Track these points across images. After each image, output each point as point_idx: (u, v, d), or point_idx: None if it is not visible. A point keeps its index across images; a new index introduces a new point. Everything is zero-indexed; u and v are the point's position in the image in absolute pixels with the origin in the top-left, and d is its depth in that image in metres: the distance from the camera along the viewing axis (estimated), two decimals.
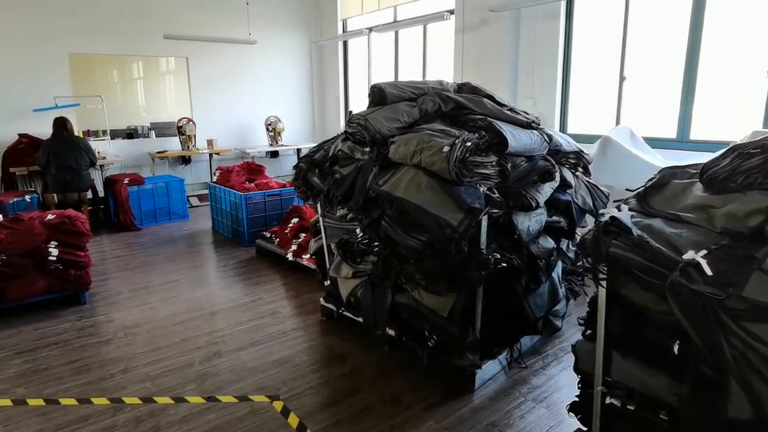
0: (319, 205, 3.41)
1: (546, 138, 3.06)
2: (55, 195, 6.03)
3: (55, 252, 3.89)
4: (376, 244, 2.87)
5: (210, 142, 8.04)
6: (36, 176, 6.63)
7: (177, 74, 10.15)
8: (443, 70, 7.24)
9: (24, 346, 3.37)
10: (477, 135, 2.67)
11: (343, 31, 8.79)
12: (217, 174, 6.27)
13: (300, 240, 4.60)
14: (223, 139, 8.33)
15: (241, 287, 4.39)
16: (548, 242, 3.00)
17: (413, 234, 2.54)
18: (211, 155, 8.10)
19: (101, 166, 6.99)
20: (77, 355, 3.23)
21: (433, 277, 2.59)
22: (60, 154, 6.00)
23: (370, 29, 7.46)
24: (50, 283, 3.90)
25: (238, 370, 3.02)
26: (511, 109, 3.10)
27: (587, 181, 3.38)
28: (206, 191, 8.24)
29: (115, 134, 7.73)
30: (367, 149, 2.97)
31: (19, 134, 6.53)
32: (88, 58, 7.96)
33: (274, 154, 8.88)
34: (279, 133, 8.57)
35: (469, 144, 2.55)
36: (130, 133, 7.96)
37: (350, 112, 8.49)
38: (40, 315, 3.83)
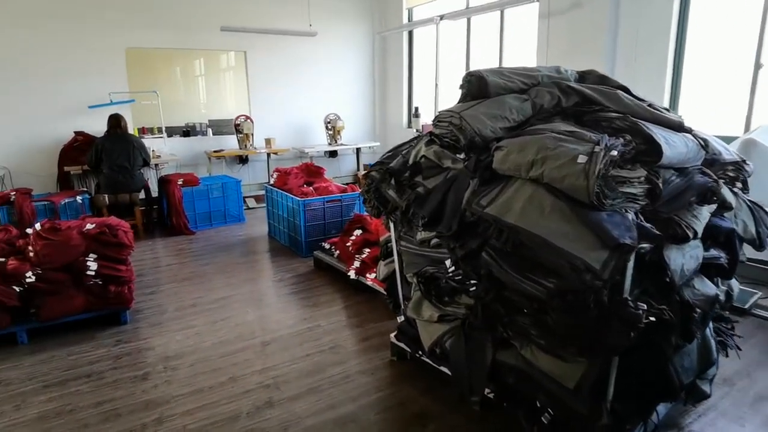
0: (392, 224, 2.78)
1: (701, 143, 2.27)
2: (106, 196, 5.74)
3: (93, 266, 3.46)
4: (473, 282, 2.19)
5: (268, 141, 7.60)
6: (90, 175, 6.40)
7: (235, 69, 9.85)
8: (522, 62, 6.43)
9: (53, 377, 2.94)
10: (621, 140, 1.93)
11: (409, 20, 8.12)
12: (275, 176, 5.78)
13: (364, 256, 3.99)
14: (280, 138, 7.88)
15: (298, 309, 3.83)
16: (706, 286, 2.21)
17: (531, 276, 1.85)
18: (268, 155, 7.67)
19: (156, 165, 6.68)
20: (108, 395, 2.75)
21: (558, 336, 1.88)
22: (112, 153, 5.69)
23: (441, 17, 6.75)
24: (88, 301, 3.48)
25: (293, 430, 2.43)
26: (650, 105, 2.33)
27: (748, 200, 2.56)
28: (263, 192, 7.84)
29: (171, 132, 7.43)
30: (461, 156, 2.29)
31: (74, 132, 6.31)
32: (145, 53, 7.71)
33: (333, 154, 8.35)
34: (338, 132, 8.03)
35: (614, 153, 1.82)
36: (187, 131, 7.65)
37: (415, 108, 7.82)
38: (75, 337, 3.42)
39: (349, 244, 4.20)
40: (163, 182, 6.25)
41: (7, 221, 5.25)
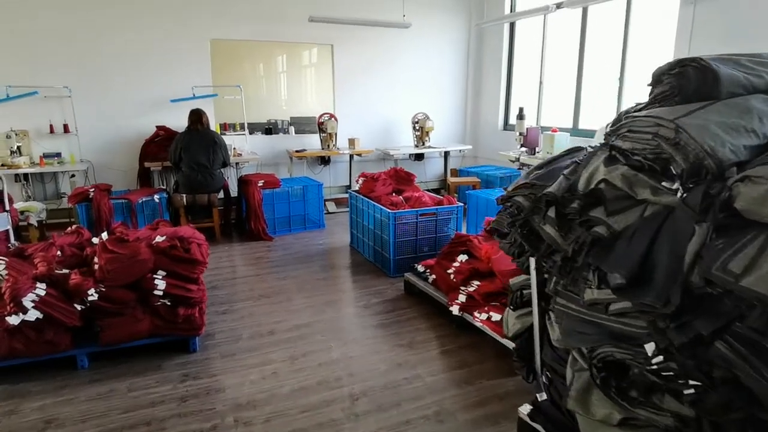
0: (534, 267, 2.05)
1: None
2: (184, 196, 5.41)
3: (162, 285, 3.00)
4: (694, 384, 1.43)
5: (351, 142, 7.06)
6: (170, 172, 6.13)
7: (320, 64, 9.45)
8: (651, 56, 5.44)
9: (109, 421, 2.47)
10: None
11: (512, 11, 7.28)
12: (360, 182, 5.19)
13: (472, 290, 3.28)
14: (364, 138, 7.31)
15: (390, 349, 3.18)
16: None
17: None
18: (351, 156, 7.13)
19: (236, 164, 6.32)
20: None
21: None
22: (192, 150, 5.34)
23: (559, 4, 5.87)
24: (155, 325, 3.02)
25: None
26: None
27: None
28: (344, 195, 7.33)
29: (252, 129, 7.07)
30: (672, 185, 1.53)
31: (156, 126, 6.06)
32: (228, 46, 7.42)
33: (419, 157, 7.68)
34: (427, 133, 7.34)
35: None
36: (269, 129, 7.27)
37: (519, 109, 6.97)
38: (139, 365, 2.97)
39: (451, 271, 3.50)
40: (243, 183, 5.85)
41: (85, 219, 5.03)
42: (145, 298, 3.00)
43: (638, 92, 5.59)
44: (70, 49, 5.82)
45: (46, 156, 5.72)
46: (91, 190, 5.04)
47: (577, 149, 2.13)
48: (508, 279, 3.05)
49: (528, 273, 2.22)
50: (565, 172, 1.88)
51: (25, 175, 5.72)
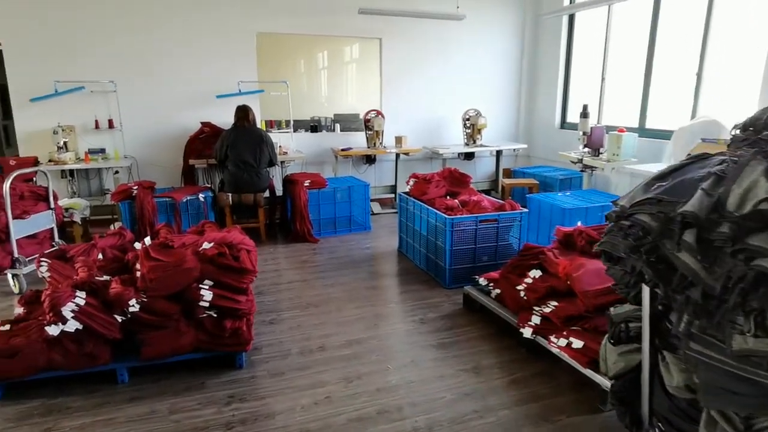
0: (647, 296, 1.69)
1: None
2: (229, 195, 5.21)
3: (208, 295, 2.76)
4: None
5: (398, 140, 6.75)
6: (214, 170, 5.97)
7: (366, 59, 9.20)
8: (737, 48, 4.90)
9: None
10: None
11: (571, 1, 6.80)
12: (411, 183, 4.87)
13: (548, 311, 2.91)
14: (411, 136, 6.99)
15: (453, 374, 2.85)
16: None
17: None
18: (397, 155, 6.82)
19: (281, 162, 6.10)
20: None
21: None
22: (238, 148, 5.14)
23: None
24: (199, 339, 2.79)
25: None
26: None
27: None
28: (388, 195, 7.04)
29: (296, 126, 6.85)
30: None
31: (201, 122, 5.90)
32: (273, 40, 7.23)
33: (469, 156, 7.29)
34: (479, 131, 6.96)
35: None
36: (314, 126, 7.03)
37: (583, 107, 6.51)
38: (182, 382, 2.74)
39: (521, 288, 3.14)
40: (288, 182, 5.63)
41: (128, 217, 4.90)
42: (190, 309, 2.77)
43: (721, 89, 5.06)
44: (115, 43, 5.72)
45: (90, 152, 5.64)
46: (135, 187, 4.90)
47: (704, 156, 1.75)
48: (593, 302, 2.69)
49: (635, 303, 1.86)
50: (704, 185, 1.51)
51: (71, 171, 5.66)
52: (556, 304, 2.89)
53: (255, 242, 3.39)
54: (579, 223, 3.46)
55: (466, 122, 7.07)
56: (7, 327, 2.75)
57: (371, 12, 6.13)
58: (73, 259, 3.35)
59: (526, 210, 4.25)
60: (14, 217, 3.90)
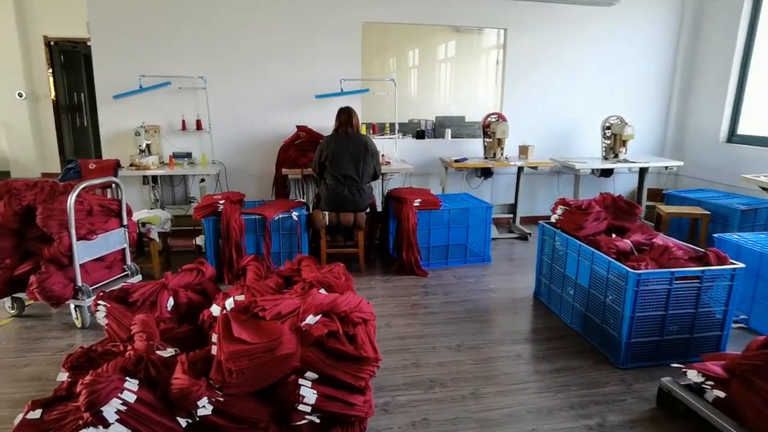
0: None
1: None
2: (326, 213, 4.35)
3: (310, 395, 1.83)
4: None
5: (523, 150, 5.61)
6: (309, 181, 5.15)
7: (483, 53, 8.17)
8: None
9: None
10: None
11: None
12: (559, 211, 3.72)
13: None
14: (537, 146, 5.80)
15: None
16: None
17: None
18: (520, 169, 5.67)
19: (383, 174, 5.18)
20: None
21: None
22: (340, 158, 4.26)
23: None
24: None
25: None
26: None
27: None
28: (505, 215, 5.92)
29: (400, 131, 5.92)
30: None
31: (297, 126, 5.10)
32: (377, 34, 6.34)
33: (606, 173, 5.98)
34: (624, 143, 5.64)
35: None
36: (422, 132, 6.04)
37: None
38: None
39: None
40: (393, 199, 4.69)
41: (212, 234, 4.17)
42: (283, 413, 1.86)
43: None
44: (206, 34, 5.05)
45: (176, 156, 5.02)
46: (221, 201, 4.16)
47: None
48: None
49: None
50: None
51: (153, 177, 5.07)
52: None
53: (352, 272, 2.51)
54: None
55: (606, 131, 5.78)
56: (38, 414, 1.98)
57: None
58: (135, 305, 2.59)
59: (741, 265, 2.97)
60: (79, 238, 3.23)
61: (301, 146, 5.03)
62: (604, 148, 5.83)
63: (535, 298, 3.96)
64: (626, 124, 5.64)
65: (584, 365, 2.97)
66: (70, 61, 8.92)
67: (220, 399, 1.78)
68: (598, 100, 6.02)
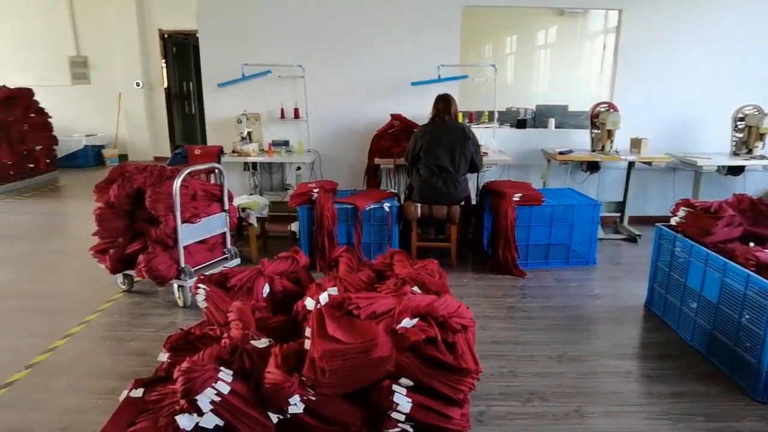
0: None
1: None
2: (418, 206, 4.21)
3: (404, 403, 1.71)
4: None
5: (635, 143, 5.10)
6: (402, 172, 5.04)
7: (590, 38, 7.61)
8: None
9: None
10: None
11: None
12: (681, 213, 3.29)
13: None
14: (651, 139, 5.24)
15: None
16: None
17: None
18: (631, 164, 5.16)
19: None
20: None
21: None
22: (435, 148, 4.10)
23: None
24: None
25: None
26: None
27: None
28: (613, 214, 5.46)
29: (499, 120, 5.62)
30: None
31: (391, 115, 4.99)
32: (478, 17, 6.06)
33: (734, 170, 5.27)
34: (762, 136, 4.93)
35: None
36: (522, 121, 5.70)
37: None
38: None
39: None
40: (489, 192, 4.45)
41: (306, 221, 4.19)
42: (375, 418, 1.76)
43: None
44: (305, 23, 5.07)
45: (274, 144, 5.12)
46: (315, 190, 4.16)
47: None
48: None
49: None
50: None
51: (253, 164, 5.21)
52: None
53: (443, 268, 2.35)
54: None
55: (738, 123, 5.09)
56: (140, 392, 2.04)
57: None
58: (233, 290, 2.62)
59: None
60: (184, 221, 3.36)
61: (394, 135, 4.93)
62: (734, 143, 5.15)
63: (646, 309, 3.56)
64: (765, 114, 4.93)
65: (710, 393, 2.59)
66: (181, 52, 9.50)
67: (312, 398, 1.71)
68: (727, 88, 5.30)
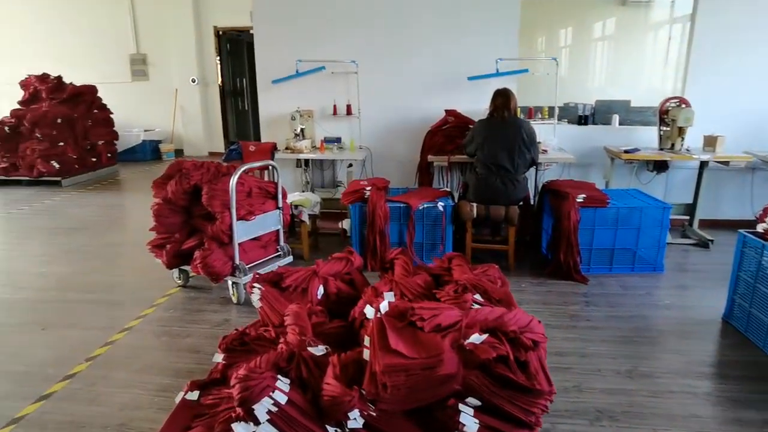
0: None
1: None
2: (474, 205, 4.05)
3: (471, 424, 1.58)
4: None
5: (710, 141, 4.74)
6: (455, 170, 4.89)
7: (654, 30, 7.19)
8: None
9: None
10: None
11: None
12: None
13: None
14: (727, 137, 4.85)
15: None
16: None
17: None
18: (703, 164, 4.80)
19: (537, 164, 4.71)
20: None
21: None
22: (493, 145, 3.93)
23: None
24: None
25: None
26: None
27: None
28: (682, 217, 5.11)
29: (560, 116, 5.36)
30: None
31: (445, 110, 4.84)
32: (533, 8, 5.80)
33: None
34: None
35: None
36: (584, 117, 5.42)
37: None
38: None
39: None
40: (550, 192, 4.24)
41: (357, 219, 4.12)
42: None
43: None
44: (359, 17, 5.00)
45: (326, 141, 5.07)
46: (368, 188, 4.08)
47: None
48: None
49: None
50: None
51: (306, 161, 5.18)
52: None
53: (502, 270, 2.21)
54: None
55: None
56: (195, 395, 2.00)
57: None
58: (288, 290, 2.57)
59: None
60: (239, 218, 3.35)
61: (448, 132, 4.77)
62: None
63: (724, 322, 3.28)
64: None
65: None
66: (235, 49, 9.65)
67: (372, 413, 1.62)
68: None
